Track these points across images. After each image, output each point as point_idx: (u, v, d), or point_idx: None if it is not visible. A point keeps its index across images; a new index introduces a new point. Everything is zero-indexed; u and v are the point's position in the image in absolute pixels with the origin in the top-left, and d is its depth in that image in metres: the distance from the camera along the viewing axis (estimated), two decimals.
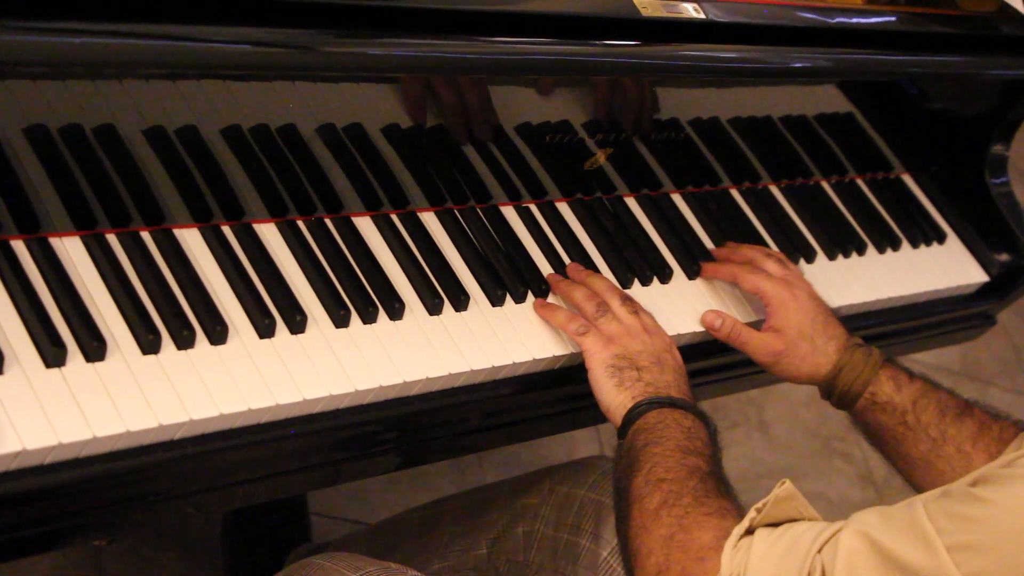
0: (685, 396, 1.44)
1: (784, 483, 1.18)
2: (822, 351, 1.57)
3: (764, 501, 1.17)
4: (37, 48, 1.14)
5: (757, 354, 1.59)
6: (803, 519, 1.18)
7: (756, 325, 1.63)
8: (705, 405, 1.47)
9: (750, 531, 1.16)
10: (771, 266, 1.64)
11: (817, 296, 1.62)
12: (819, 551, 1.09)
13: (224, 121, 1.36)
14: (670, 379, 1.45)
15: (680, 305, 1.64)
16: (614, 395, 1.44)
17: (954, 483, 1.15)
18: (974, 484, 1.10)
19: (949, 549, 1.04)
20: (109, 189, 1.32)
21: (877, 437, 1.56)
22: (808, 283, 1.63)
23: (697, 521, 1.21)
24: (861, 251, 1.91)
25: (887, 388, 1.54)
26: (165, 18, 1.18)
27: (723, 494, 1.26)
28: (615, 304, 1.52)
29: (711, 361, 1.67)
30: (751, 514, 1.17)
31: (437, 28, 1.35)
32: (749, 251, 1.68)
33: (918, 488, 1.52)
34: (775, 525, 1.17)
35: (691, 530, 1.20)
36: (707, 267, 1.69)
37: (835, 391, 1.57)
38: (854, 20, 1.74)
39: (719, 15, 1.55)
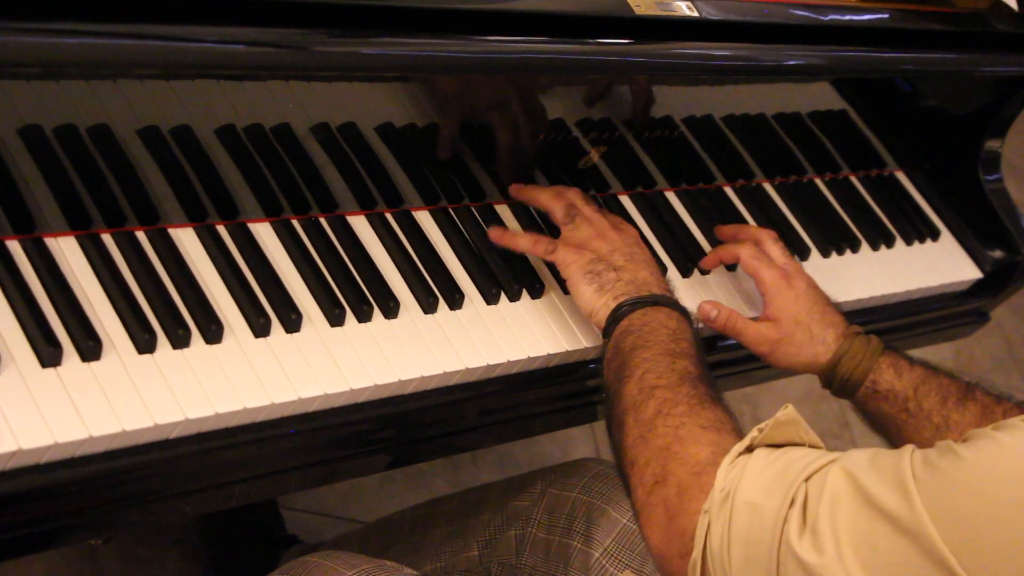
0: (664, 291, 1.47)
1: (787, 407, 1.18)
2: (820, 339, 1.56)
3: (765, 423, 1.17)
4: (31, 49, 1.14)
5: (753, 344, 1.59)
6: (804, 444, 1.18)
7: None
8: None
9: (750, 449, 1.16)
10: (775, 252, 1.64)
11: (815, 286, 1.62)
12: (807, 479, 1.09)
13: (218, 121, 1.37)
14: (646, 275, 1.48)
15: None
16: (596, 298, 1.47)
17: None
18: (964, 440, 1.10)
19: (922, 496, 1.04)
20: (104, 189, 1.32)
21: (880, 425, 1.56)
22: (807, 274, 1.63)
23: (693, 434, 1.21)
24: (855, 248, 1.92)
25: (888, 376, 1.53)
26: (159, 18, 1.18)
27: (715, 400, 1.27)
28: (579, 203, 1.54)
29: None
30: (752, 433, 1.17)
31: (430, 27, 1.35)
32: (757, 231, 1.68)
33: None
34: (776, 446, 1.17)
35: (687, 443, 1.20)
36: (709, 258, 1.70)
37: (835, 380, 1.56)
38: (847, 18, 1.74)
39: (713, 13, 1.55)
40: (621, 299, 1.44)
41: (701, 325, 1.57)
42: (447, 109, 1.51)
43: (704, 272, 1.71)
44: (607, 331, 1.43)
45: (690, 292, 1.68)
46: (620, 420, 1.29)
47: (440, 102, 1.51)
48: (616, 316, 1.43)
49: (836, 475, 1.08)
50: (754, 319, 1.63)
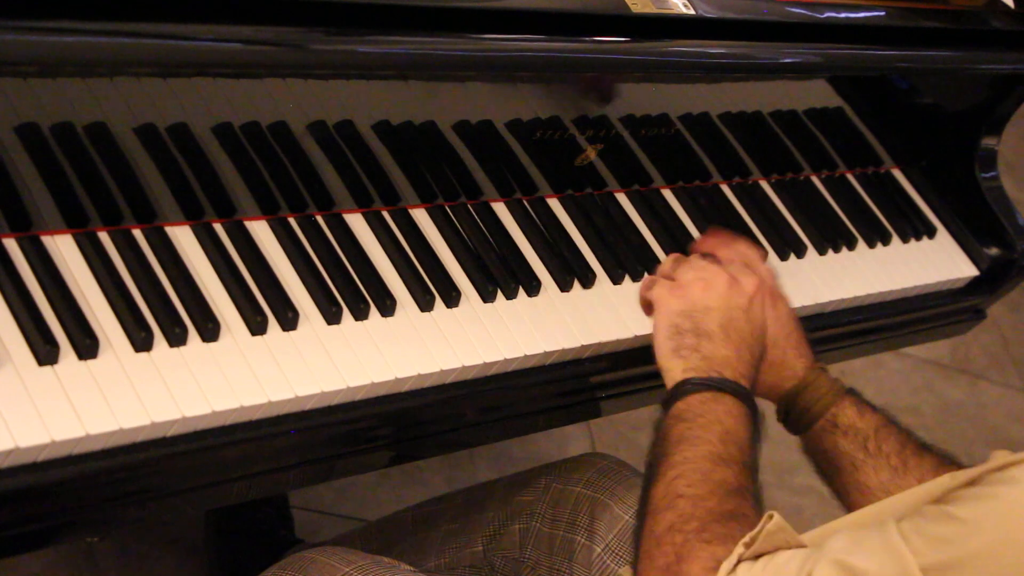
0: (741, 375, 1.37)
1: (772, 517, 1.15)
2: (790, 366, 1.50)
3: (753, 535, 1.14)
4: (28, 47, 1.14)
5: None
6: (792, 547, 1.16)
7: None
8: None
9: (739, 562, 1.13)
10: (764, 271, 1.57)
11: (794, 313, 1.56)
12: None
13: (215, 119, 1.37)
14: (730, 353, 1.38)
15: None
16: (668, 360, 1.38)
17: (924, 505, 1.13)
18: (944, 503, 1.08)
19: (924, 570, 1.02)
20: (101, 187, 1.32)
21: (832, 464, 1.48)
22: (787, 301, 1.57)
23: (692, 550, 1.18)
24: (851, 246, 1.92)
25: (850, 413, 1.47)
26: (156, 16, 1.19)
27: (738, 518, 1.21)
28: (727, 254, 1.48)
29: None
30: (739, 549, 1.14)
31: (427, 25, 1.36)
32: (747, 248, 1.61)
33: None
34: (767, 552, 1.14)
35: (684, 560, 1.17)
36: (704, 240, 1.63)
37: (795, 408, 1.49)
38: (843, 15, 1.74)
39: (709, 11, 1.56)
40: (689, 374, 1.35)
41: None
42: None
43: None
44: (667, 403, 1.35)
45: None
46: (642, 521, 1.25)
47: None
48: (677, 393, 1.35)
49: (824, 568, 1.06)
50: None
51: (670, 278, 1.44)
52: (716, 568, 1.13)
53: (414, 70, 1.46)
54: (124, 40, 1.19)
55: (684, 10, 1.53)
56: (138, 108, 1.31)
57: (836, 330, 1.84)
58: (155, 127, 1.33)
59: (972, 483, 1.09)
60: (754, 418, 1.35)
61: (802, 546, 1.15)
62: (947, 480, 1.33)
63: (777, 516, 1.15)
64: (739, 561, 1.13)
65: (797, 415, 1.50)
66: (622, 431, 2.65)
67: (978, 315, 2.10)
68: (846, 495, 1.47)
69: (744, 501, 1.23)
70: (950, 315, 2.06)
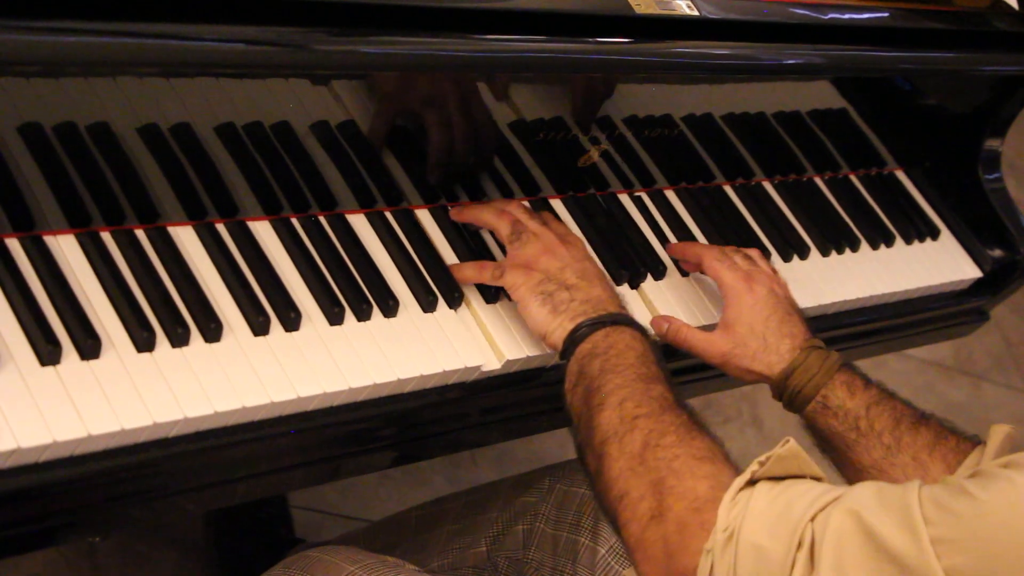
0: (619, 308, 1.43)
1: (788, 441, 1.16)
2: (774, 350, 1.50)
3: (767, 455, 1.15)
4: (31, 47, 1.13)
5: (705, 355, 1.54)
6: (806, 476, 1.16)
7: None
8: (697, 401, 1.46)
9: (751, 482, 1.14)
10: (738, 259, 1.59)
11: (779, 294, 1.56)
12: (812, 519, 1.08)
13: (218, 119, 1.36)
14: (600, 292, 1.43)
15: (674, 301, 1.65)
16: (550, 320, 1.42)
17: (955, 474, 1.13)
18: (972, 477, 1.09)
19: (933, 541, 1.03)
20: (103, 187, 1.32)
21: (827, 443, 1.50)
22: (774, 280, 1.58)
23: (688, 466, 1.18)
24: (855, 247, 1.92)
25: (840, 393, 1.48)
26: (159, 16, 1.18)
27: (701, 426, 1.24)
28: (524, 218, 1.50)
29: None
30: (753, 467, 1.14)
31: (430, 26, 1.35)
32: (721, 248, 1.64)
33: None
34: (778, 479, 1.15)
35: (684, 476, 1.17)
36: (675, 245, 1.68)
37: (786, 392, 1.50)
38: (847, 16, 1.74)
39: (712, 12, 1.55)
40: (578, 320, 1.40)
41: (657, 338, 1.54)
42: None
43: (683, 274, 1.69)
44: (566, 353, 1.39)
45: (690, 290, 1.68)
46: (599, 450, 1.26)
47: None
48: (575, 338, 1.38)
49: (840, 516, 1.06)
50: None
51: (510, 250, 1.47)
52: (722, 487, 1.14)
53: (417, 71, 1.46)
54: (127, 40, 1.18)
55: (688, 11, 1.53)
56: (141, 108, 1.31)
57: (839, 331, 1.84)
58: (158, 127, 1.33)
59: (1005, 465, 1.09)
60: (652, 340, 1.39)
61: (819, 476, 1.16)
62: (979, 454, 1.38)
63: (792, 442, 1.16)
64: (752, 479, 1.14)
65: (789, 398, 1.51)
66: None
67: (981, 317, 2.10)
68: (842, 469, 1.49)
69: (691, 414, 1.26)
70: (953, 317, 2.06)
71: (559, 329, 1.41)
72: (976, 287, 2.04)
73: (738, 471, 1.17)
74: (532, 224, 1.50)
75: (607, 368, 1.33)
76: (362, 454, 1.44)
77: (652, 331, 1.54)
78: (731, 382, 1.64)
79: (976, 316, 2.09)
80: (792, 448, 1.15)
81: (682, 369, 1.64)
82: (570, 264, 1.45)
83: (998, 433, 1.39)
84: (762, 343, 1.51)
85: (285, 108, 1.40)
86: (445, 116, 1.51)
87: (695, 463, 1.19)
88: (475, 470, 2.51)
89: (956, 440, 1.44)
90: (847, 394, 1.48)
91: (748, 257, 1.61)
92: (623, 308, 1.44)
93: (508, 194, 1.63)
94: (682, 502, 1.15)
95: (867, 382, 1.50)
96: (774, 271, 1.62)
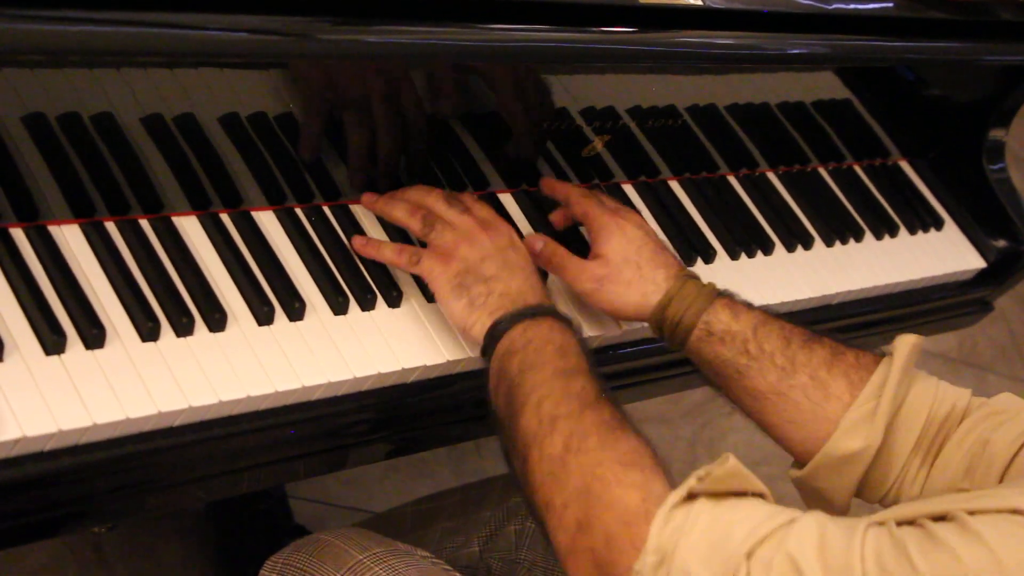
0: (541, 298, 1.37)
1: (728, 459, 1.10)
2: (650, 279, 1.44)
3: (706, 470, 1.09)
4: (35, 36, 1.14)
5: (578, 280, 1.47)
6: (748, 493, 1.10)
7: None
8: (699, 393, 1.44)
9: (690, 496, 1.08)
10: (605, 198, 1.54)
11: (648, 228, 1.51)
12: (749, 554, 1.02)
13: (222, 109, 1.36)
14: (521, 283, 1.37)
15: None
16: (467, 315, 1.37)
17: (906, 507, 1.08)
18: (915, 526, 1.04)
19: None
20: (107, 177, 1.33)
21: (719, 374, 1.41)
22: (641, 218, 1.53)
23: (614, 473, 1.11)
24: (858, 238, 1.91)
25: (723, 316, 1.40)
26: (162, 5, 1.18)
27: (624, 423, 1.17)
28: (441, 208, 1.43)
29: None
30: (691, 482, 1.08)
31: (433, 15, 1.35)
32: (586, 189, 1.58)
33: (771, 426, 1.39)
34: (719, 494, 1.09)
35: (610, 485, 1.10)
36: (546, 181, 1.61)
37: (666, 323, 1.43)
38: (851, 6, 1.74)
39: (717, 2, 1.55)
40: (497, 315, 1.34)
41: (590, 335, 1.50)
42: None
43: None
44: (486, 350, 1.33)
45: None
46: (523, 455, 1.20)
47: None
48: (494, 334, 1.33)
49: (781, 565, 1.01)
50: None
51: (433, 252, 1.41)
52: (654, 499, 1.08)
53: (420, 60, 1.46)
54: (131, 30, 1.18)
55: (692, 1, 1.53)
56: (145, 98, 1.31)
57: (843, 322, 1.84)
58: (162, 117, 1.33)
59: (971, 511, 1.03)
60: (574, 327, 1.33)
61: (761, 492, 1.10)
62: (885, 368, 1.33)
63: (732, 459, 1.10)
64: (690, 493, 1.08)
65: (670, 330, 1.44)
66: None
67: (985, 308, 2.10)
68: (739, 402, 1.42)
69: (615, 406, 1.20)
70: (957, 307, 2.06)
71: (478, 325, 1.36)
72: (980, 278, 2.04)
73: (667, 476, 1.12)
74: (449, 214, 1.43)
75: (525, 365, 1.27)
76: (365, 444, 1.45)
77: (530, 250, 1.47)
78: (695, 379, 1.57)
79: (980, 307, 2.09)
80: (732, 467, 1.09)
81: (646, 368, 1.63)
82: (490, 253, 1.39)
83: (904, 344, 1.35)
84: (636, 271, 1.45)
85: (289, 98, 1.40)
86: (448, 109, 1.51)
87: (621, 470, 1.12)
88: (480, 462, 2.51)
89: (855, 355, 1.37)
90: (731, 317, 1.40)
91: (616, 200, 1.55)
92: (545, 298, 1.38)
93: (513, 184, 1.63)
94: (610, 513, 1.10)
95: (750, 306, 1.43)
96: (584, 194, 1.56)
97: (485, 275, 1.38)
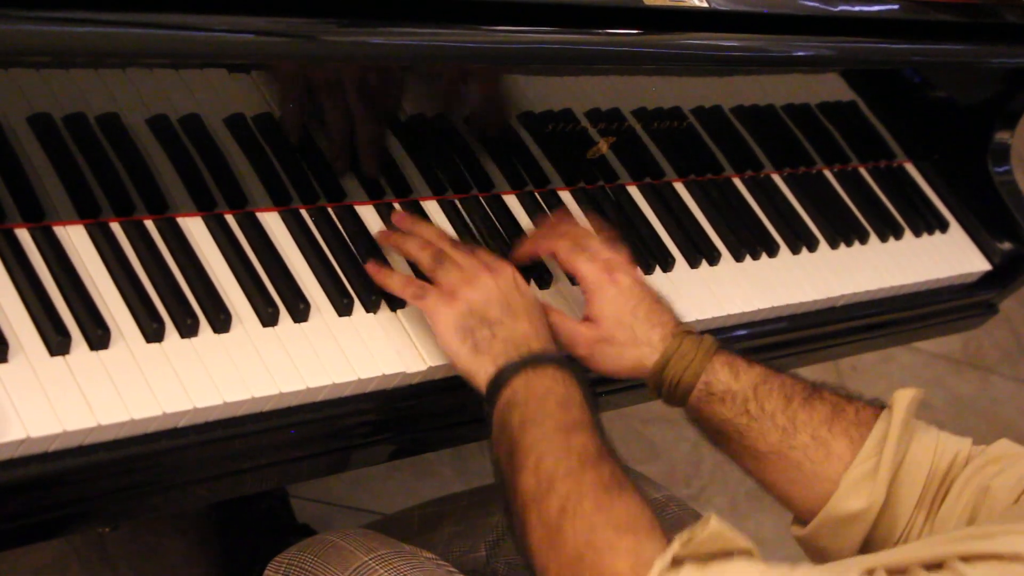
0: (546, 342, 1.35)
1: (709, 521, 1.09)
2: (645, 340, 1.41)
3: (689, 534, 1.09)
4: (41, 37, 1.14)
5: (569, 344, 1.43)
6: (733, 552, 1.09)
7: None
8: None
9: (675, 560, 1.08)
10: (595, 245, 1.48)
11: (642, 282, 1.46)
12: None
13: (227, 110, 1.37)
14: (526, 327, 1.35)
15: (684, 293, 1.64)
16: (471, 361, 1.34)
17: (898, 552, 1.07)
18: (928, 568, 1.03)
19: None
20: (113, 178, 1.33)
21: (720, 433, 1.40)
22: (634, 268, 1.49)
23: (607, 540, 1.11)
24: (864, 240, 1.91)
25: (723, 375, 1.38)
26: (168, 7, 1.19)
27: (622, 483, 1.17)
28: (448, 247, 1.42)
29: None
30: (674, 547, 1.08)
31: (439, 17, 1.35)
32: (575, 230, 1.52)
33: (772, 484, 1.39)
34: (706, 557, 1.09)
35: (603, 552, 1.11)
36: (531, 241, 1.55)
37: (664, 384, 1.40)
38: (857, 8, 1.74)
39: (722, 3, 1.55)
40: (500, 363, 1.31)
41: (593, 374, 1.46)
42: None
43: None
44: (490, 399, 1.31)
45: (699, 283, 1.68)
46: (521, 516, 1.19)
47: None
48: (497, 383, 1.30)
49: None
50: None
51: (433, 280, 1.40)
52: (644, 564, 1.08)
53: (425, 62, 1.46)
54: (136, 31, 1.19)
55: (697, 3, 1.53)
56: (150, 99, 1.31)
57: (847, 324, 1.84)
58: (167, 118, 1.33)
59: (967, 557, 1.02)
60: (578, 376, 1.31)
61: (747, 549, 1.10)
62: (884, 422, 1.32)
63: (714, 520, 1.09)
64: (674, 560, 1.08)
65: (668, 389, 1.41)
66: (632, 425, 2.64)
67: (990, 310, 2.10)
68: (739, 461, 1.41)
69: (615, 463, 1.20)
70: (962, 309, 2.06)
71: (482, 373, 1.33)
72: (985, 280, 2.04)
73: (662, 537, 1.12)
74: (455, 253, 1.41)
75: (526, 419, 1.25)
76: (369, 445, 1.45)
77: None
78: None
79: (985, 309, 2.09)
80: (714, 529, 1.08)
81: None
82: (493, 296, 1.37)
83: (903, 399, 1.34)
84: (631, 334, 1.42)
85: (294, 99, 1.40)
86: (460, 110, 1.50)
87: (614, 536, 1.12)
88: (484, 462, 2.50)
89: (855, 410, 1.37)
90: (731, 376, 1.38)
91: (606, 241, 1.50)
92: (550, 342, 1.36)
93: (518, 185, 1.63)
94: None
95: (750, 362, 1.40)
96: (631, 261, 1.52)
97: (489, 319, 1.36)
